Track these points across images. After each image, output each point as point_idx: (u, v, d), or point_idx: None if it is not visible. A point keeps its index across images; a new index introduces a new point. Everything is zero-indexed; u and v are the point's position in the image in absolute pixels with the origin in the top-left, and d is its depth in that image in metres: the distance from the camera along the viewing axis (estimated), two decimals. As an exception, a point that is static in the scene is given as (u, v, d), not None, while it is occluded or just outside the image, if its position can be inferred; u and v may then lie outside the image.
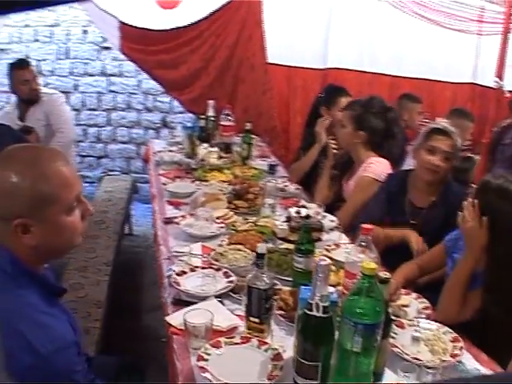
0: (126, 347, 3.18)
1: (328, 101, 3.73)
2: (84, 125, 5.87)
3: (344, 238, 2.73)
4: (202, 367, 1.68)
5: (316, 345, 1.55)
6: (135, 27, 4.68)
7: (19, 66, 4.39)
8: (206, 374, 1.65)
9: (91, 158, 6.00)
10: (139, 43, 4.76)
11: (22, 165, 1.44)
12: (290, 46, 4.66)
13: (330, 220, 2.91)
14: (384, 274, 1.62)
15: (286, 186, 3.45)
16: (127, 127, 5.89)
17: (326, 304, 1.53)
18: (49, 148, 1.55)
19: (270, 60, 4.67)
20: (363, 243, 1.92)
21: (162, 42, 4.75)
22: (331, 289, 1.70)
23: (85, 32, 5.57)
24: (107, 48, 5.53)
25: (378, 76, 4.52)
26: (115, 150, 5.97)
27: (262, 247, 1.85)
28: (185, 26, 4.66)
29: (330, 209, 3.07)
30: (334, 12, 4.47)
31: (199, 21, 4.63)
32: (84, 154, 5.95)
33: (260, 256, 1.85)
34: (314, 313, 1.53)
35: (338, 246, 2.61)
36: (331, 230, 2.84)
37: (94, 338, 2.69)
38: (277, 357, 1.74)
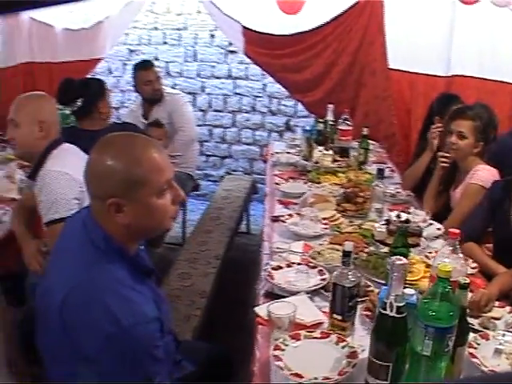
0: (227, 339, 3.27)
1: (441, 110, 3.63)
2: (210, 125, 6.10)
3: (448, 247, 2.66)
4: (276, 356, 1.73)
5: (388, 345, 1.55)
6: (257, 32, 4.78)
7: (143, 67, 4.63)
8: (279, 363, 1.69)
9: (215, 158, 6.22)
10: (263, 47, 4.86)
11: (117, 150, 1.57)
12: (412, 52, 4.54)
13: (436, 228, 2.87)
14: (463, 279, 1.58)
15: (398, 192, 3.42)
16: (251, 129, 6.04)
17: (401, 304, 1.53)
18: (143, 136, 1.67)
19: (391, 65, 4.61)
20: (450, 247, 1.88)
21: (285, 46, 4.82)
22: (411, 291, 1.68)
23: (212, 36, 5.78)
24: (233, 52, 5.71)
25: (501, 85, 4.29)
26: (239, 151, 6.15)
27: (348, 245, 1.86)
28: (308, 31, 4.71)
29: (439, 218, 3.00)
30: (457, 16, 4.30)
31: (322, 25, 4.66)
32: (209, 153, 6.20)
33: (346, 254, 1.86)
34: (388, 312, 1.53)
35: (438, 253, 2.55)
36: (436, 237, 2.78)
37: (193, 324, 2.82)
38: (352, 354, 1.75)
